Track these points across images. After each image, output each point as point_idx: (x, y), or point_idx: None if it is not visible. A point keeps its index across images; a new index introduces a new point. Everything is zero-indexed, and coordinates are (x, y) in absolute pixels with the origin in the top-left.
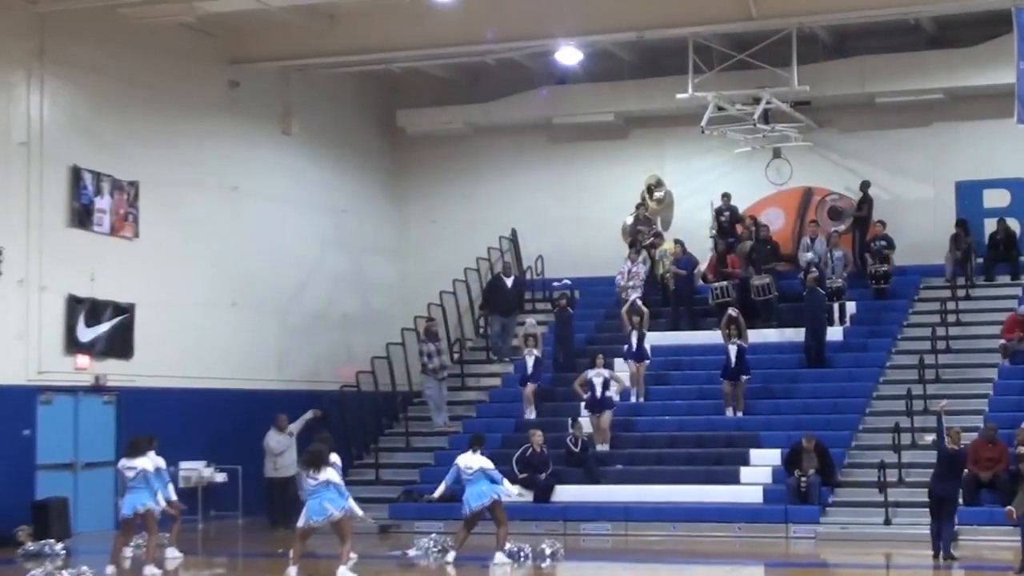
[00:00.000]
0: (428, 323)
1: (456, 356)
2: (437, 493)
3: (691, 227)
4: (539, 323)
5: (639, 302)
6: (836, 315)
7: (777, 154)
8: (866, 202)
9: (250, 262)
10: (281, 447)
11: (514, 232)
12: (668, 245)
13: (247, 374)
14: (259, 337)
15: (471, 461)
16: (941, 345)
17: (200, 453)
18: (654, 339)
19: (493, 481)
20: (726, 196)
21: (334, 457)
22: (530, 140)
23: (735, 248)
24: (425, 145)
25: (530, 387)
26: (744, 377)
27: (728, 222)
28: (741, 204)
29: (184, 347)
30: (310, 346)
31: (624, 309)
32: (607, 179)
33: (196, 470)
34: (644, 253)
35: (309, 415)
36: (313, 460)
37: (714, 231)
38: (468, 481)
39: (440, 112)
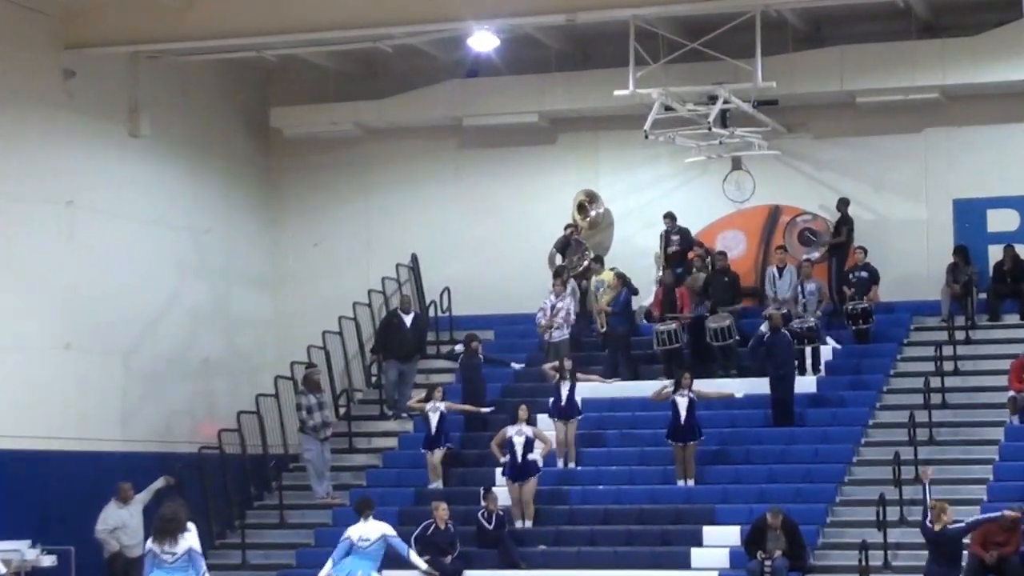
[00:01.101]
0: (308, 370)
1: (342, 411)
2: (322, 574)
3: (632, 254)
4: (434, 371)
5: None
6: (808, 362)
7: (737, 165)
8: (845, 224)
9: (88, 294)
10: (123, 523)
11: (415, 258)
12: (607, 275)
13: (83, 432)
14: (99, 386)
15: (366, 531)
16: (936, 399)
17: (23, 531)
18: (586, 391)
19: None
20: (669, 216)
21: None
22: (435, 145)
23: (685, 280)
24: (306, 151)
25: (437, 453)
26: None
27: (677, 248)
28: (693, 226)
29: (5, 399)
30: (162, 397)
31: (549, 354)
32: (529, 194)
33: (18, 552)
34: (572, 284)
35: (160, 483)
36: (169, 528)
37: (661, 261)
38: (362, 554)
39: (324, 110)
